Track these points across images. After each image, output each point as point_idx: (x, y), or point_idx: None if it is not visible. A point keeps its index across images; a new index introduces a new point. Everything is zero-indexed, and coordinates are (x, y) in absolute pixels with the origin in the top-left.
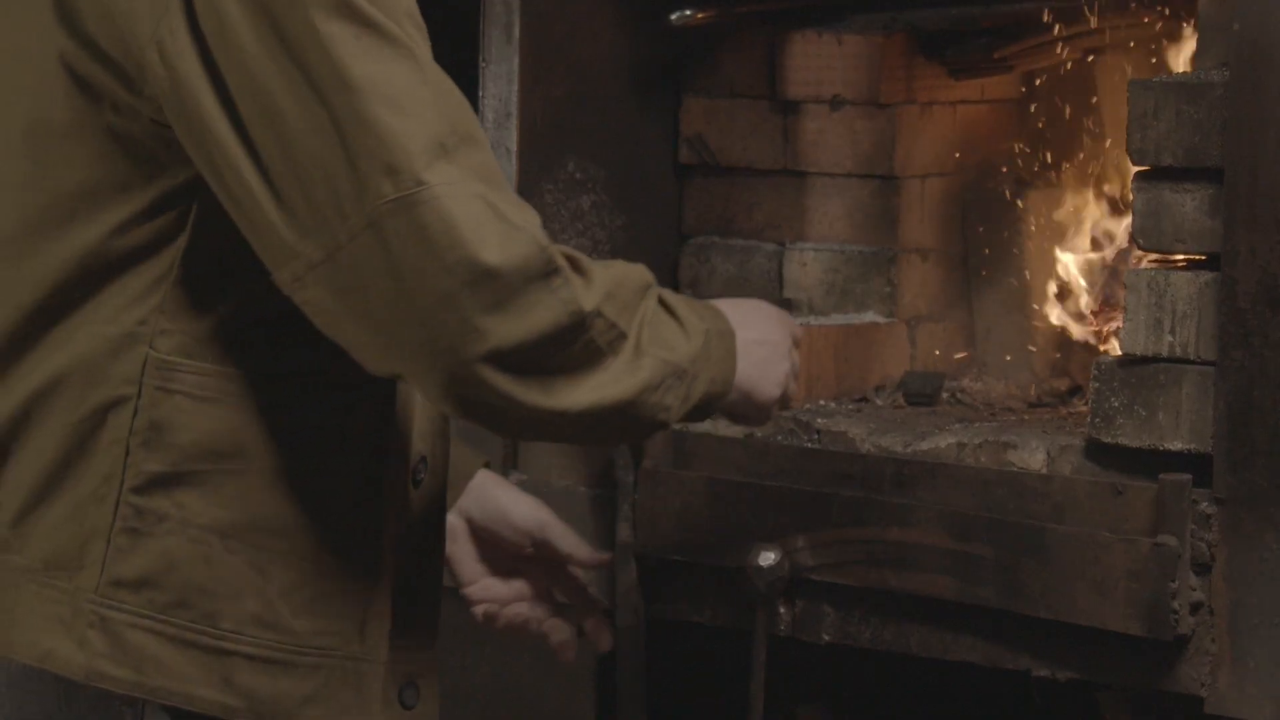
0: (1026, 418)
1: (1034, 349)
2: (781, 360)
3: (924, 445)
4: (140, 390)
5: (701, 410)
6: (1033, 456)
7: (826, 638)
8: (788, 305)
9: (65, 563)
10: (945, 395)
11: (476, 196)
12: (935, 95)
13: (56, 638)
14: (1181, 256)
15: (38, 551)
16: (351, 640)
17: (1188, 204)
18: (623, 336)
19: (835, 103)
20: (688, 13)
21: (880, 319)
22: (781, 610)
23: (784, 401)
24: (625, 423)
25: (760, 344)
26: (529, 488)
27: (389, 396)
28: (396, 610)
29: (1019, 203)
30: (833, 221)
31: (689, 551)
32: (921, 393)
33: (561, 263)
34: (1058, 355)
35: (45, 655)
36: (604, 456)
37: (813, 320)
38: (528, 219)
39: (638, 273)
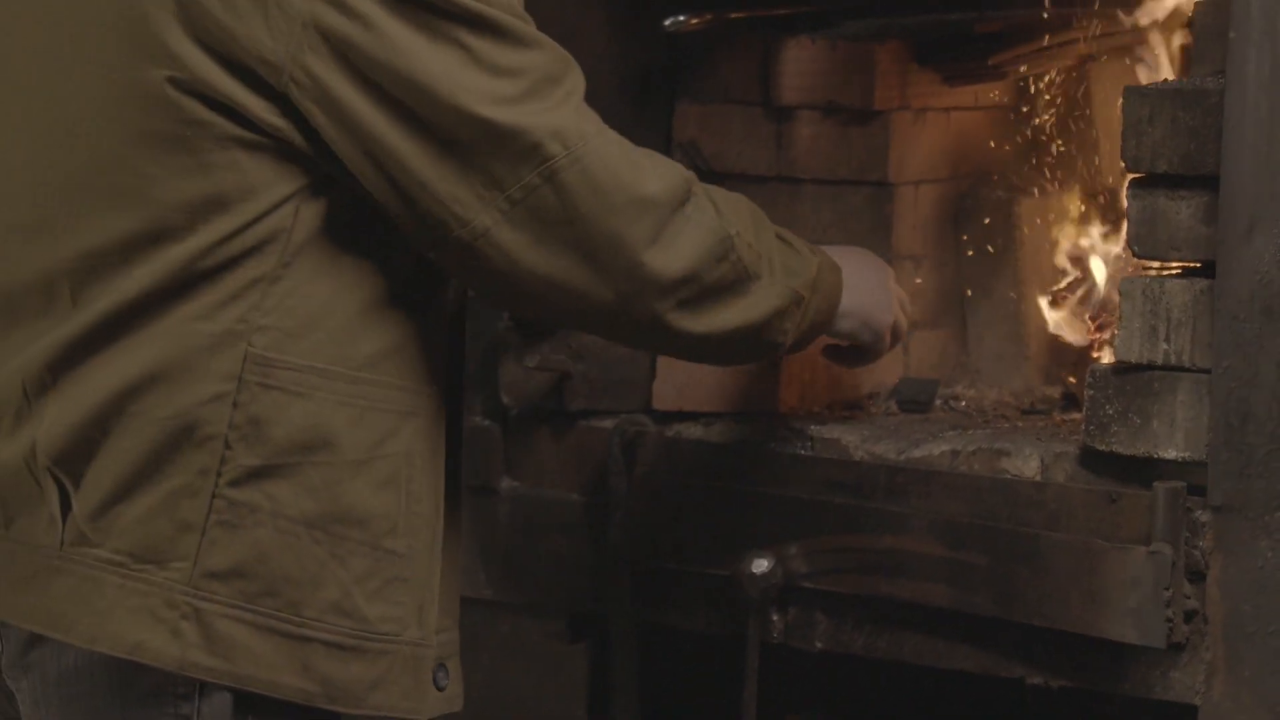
0: (1020, 425)
1: (1027, 356)
2: (886, 291)
3: (917, 452)
4: (240, 386)
5: (808, 337)
6: (1027, 464)
7: (819, 645)
8: None
9: (154, 555)
10: (938, 402)
11: (614, 140)
12: (929, 102)
13: (146, 630)
14: (1176, 264)
15: (122, 544)
16: (411, 626)
17: (1183, 211)
18: (760, 258)
19: (829, 109)
20: (682, 18)
21: None
22: (774, 617)
23: (898, 333)
24: (748, 346)
25: (864, 276)
26: (521, 495)
27: (449, 386)
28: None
29: (1012, 209)
30: (826, 228)
31: (682, 558)
32: (915, 399)
33: (697, 187)
34: (1051, 363)
35: (135, 647)
36: (597, 463)
37: None
38: (651, 151)
39: (748, 202)
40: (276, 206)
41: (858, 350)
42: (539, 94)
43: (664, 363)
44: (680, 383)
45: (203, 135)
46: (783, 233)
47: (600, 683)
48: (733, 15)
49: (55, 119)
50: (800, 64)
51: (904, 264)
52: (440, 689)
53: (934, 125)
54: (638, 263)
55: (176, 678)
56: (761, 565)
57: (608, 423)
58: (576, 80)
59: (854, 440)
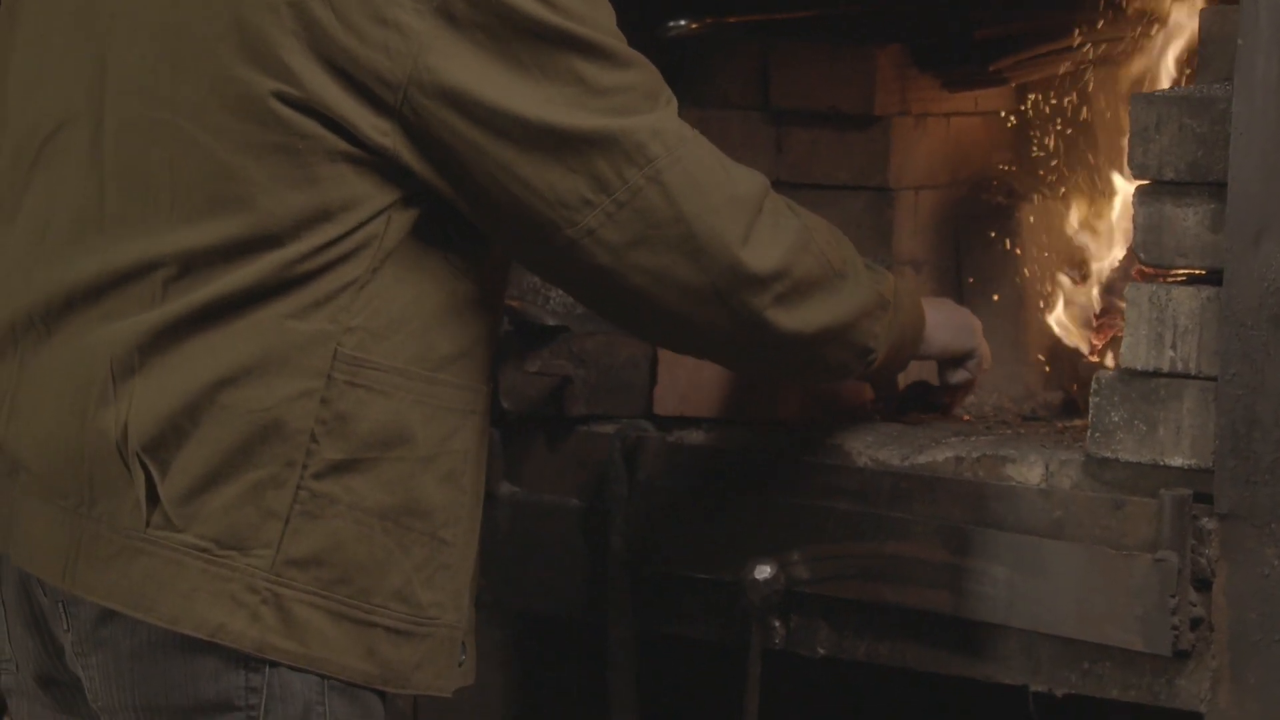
0: (1022, 431)
1: (1028, 362)
2: (964, 310)
3: (921, 459)
4: (328, 383)
5: (901, 354)
6: (1031, 471)
7: (822, 652)
8: None
9: (237, 542)
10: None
11: (707, 143)
12: (929, 107)
13: (227, 613)
14: (1183, 271)
15: (207, 530)
16: (450, 609)
17: (1190, 218)
18: (841, 259)
19: (828, 114)
20: (682, 23)
21: None
22: (776, 624)
23: (983, 356)
24: (842, 347)
25: (938, 302)
26: (521, 500)
27: (491, 393)
28: None
29: (1013, 215)
30: None
31: (683, 565)
32: (920, 401)
33: (771, 190)
34: (1050, 369)
35: (217, 629)
36: (598, 469)
37: None
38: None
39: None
40: (374, 216)
41: (956, 374)
42: (640, 105)
43: (665, 368)
44: (682, 388)
45: (312, 149)
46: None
47: (599, 690)
48: (732, 20)
49: (165, 125)
50: (799, 69)
51: (904, 269)
52: (459, 665)
53: (934, 131)
54: (736, 259)
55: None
56: (764, 572)
57: (608, 428)
58: (670, 93)
59: (857, 446)
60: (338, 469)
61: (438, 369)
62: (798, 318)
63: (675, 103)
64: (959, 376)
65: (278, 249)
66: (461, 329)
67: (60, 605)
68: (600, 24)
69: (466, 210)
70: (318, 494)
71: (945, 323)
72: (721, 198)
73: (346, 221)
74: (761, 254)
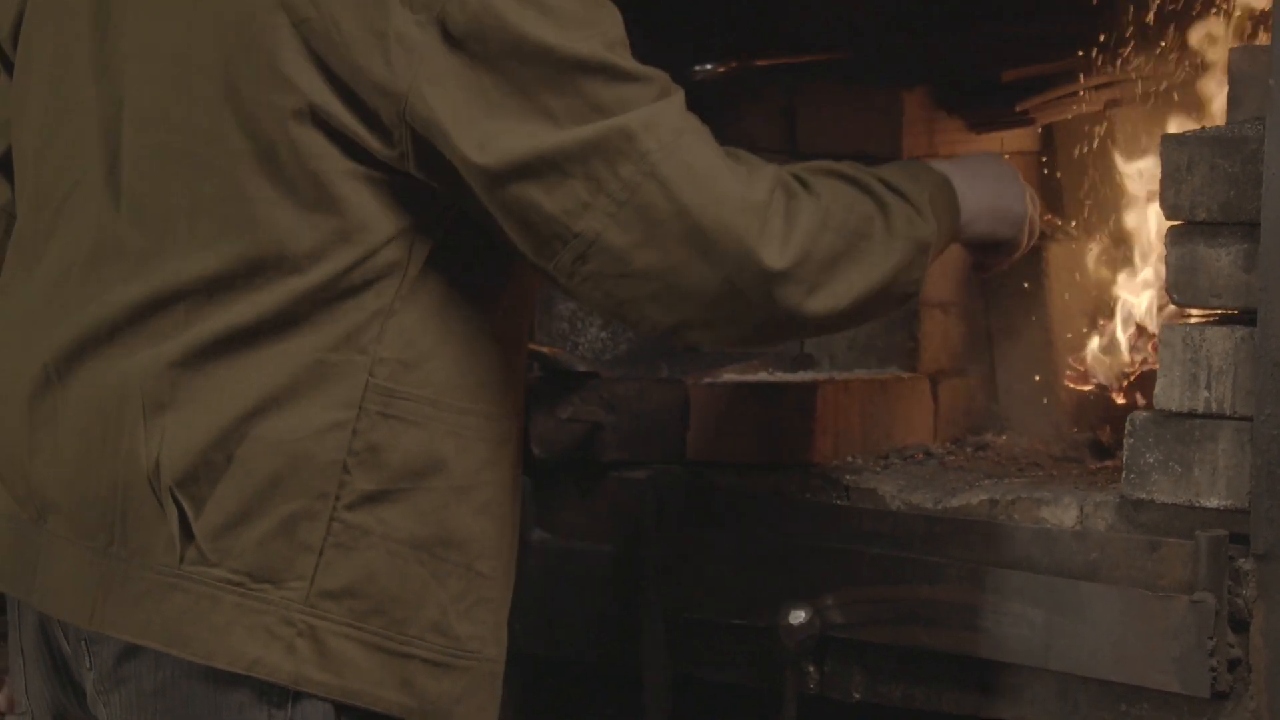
0: (1054, 473)
1: (1056, 403)
2: (1013, 181)
3: (955, 502)
4: (360, 414)
5: (938, 256)
6: (1066, 513)
7: (857, 696)
8: (808, 360)
9: (271, 575)
10: (969, 450)
11: (709, 139)
12: (956, 148)
13: (263, 646)
14: (1217, 311)
15: (240, 564)
16: (490, 644)
17: (1223, 259)
18: (864, 217)
19: (855, 157)
20: (708, 66)
21: (903, 373)
22: (811, 669)
23: (1032, 226)
24: (881, 303)
25: (981, 178)
26: (552, 547)
27: (523, 426)
28: None
29: (1040, 256)
30: None
31: (717, 610)
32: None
33: (783, 174)
34: (1078, 409)
35: (254, 663)
36: (630, 514)
37: (835, 375)
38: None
39: (835, 166)
40: (390, 240)
41: (997, 246)
42: (640, 105)
43: (697, 413)
44: (714, 433)
45: (325, 168)
46: (892, 179)
47: None
48: (759, 63)
49: (182, 153)
50: (825, 112)
51: (933, 312)
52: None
53: None
54: (751, 255)
55: (271, 686)
56: (798, 616)
57: (640, 473)
58: (675, 90)
59: (890, 490)
60: (370, 500)
61: (469, 399)
62: (830, 297)
63: (679, 96)
64: (992, 263)
65: (297, 275)
66: (490, 359)
67: (83, 643)
68: (603, 33)
69: (481, 223)
70: (350, 525)
71: (984, 211)
72: (725, 190)
73: (365, 243)
74: (779, 247)
